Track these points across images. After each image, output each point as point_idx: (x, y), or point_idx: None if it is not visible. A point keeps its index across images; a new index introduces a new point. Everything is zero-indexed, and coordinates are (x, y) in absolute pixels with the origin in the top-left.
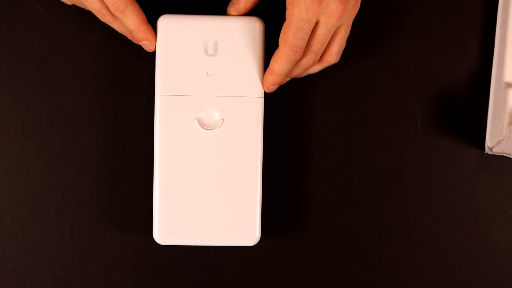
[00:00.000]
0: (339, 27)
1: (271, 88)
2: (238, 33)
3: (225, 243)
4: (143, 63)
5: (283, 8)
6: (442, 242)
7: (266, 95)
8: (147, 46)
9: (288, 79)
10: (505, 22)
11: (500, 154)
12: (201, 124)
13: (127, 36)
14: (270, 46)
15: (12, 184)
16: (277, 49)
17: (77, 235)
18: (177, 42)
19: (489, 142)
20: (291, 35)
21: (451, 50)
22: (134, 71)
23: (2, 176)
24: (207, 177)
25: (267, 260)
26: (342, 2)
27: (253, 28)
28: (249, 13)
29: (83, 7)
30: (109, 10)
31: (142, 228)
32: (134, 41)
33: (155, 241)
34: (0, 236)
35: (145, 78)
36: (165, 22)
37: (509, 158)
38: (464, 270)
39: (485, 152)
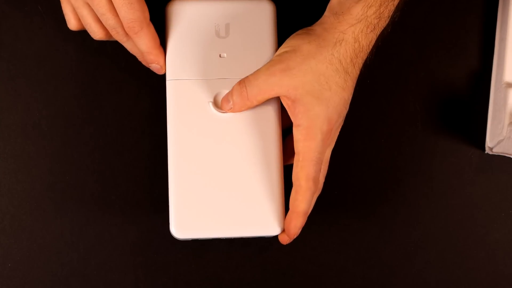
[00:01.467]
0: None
1: (298, 232)
2: (249, 15)
3: (247, 234)
4: None
5: None
6: (442, 242)
7: None
8: (156, 69)
9: None
10: (505, 22)
11: (500, 154)
12: (216, 107)
13: (137, 57)
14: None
15: (12, 184)
16: (298, 187)
17: (77, 235)
18: (187, 26)
19: (489, 142)
20: (312, 169)
21: (451, 50)
22: (134, 71)
23: (2, 176)
24: (225, 163)
25: (267, 260)
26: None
27: (264, 9)
28: None
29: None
30: (123, 29)
31: (142, 228)
32: (143, 63)
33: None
34: (0, 236)
35: (145, 78)
36: (175, 7)
37: (509, 158)
38: (464, 270)
39: (485, 152)
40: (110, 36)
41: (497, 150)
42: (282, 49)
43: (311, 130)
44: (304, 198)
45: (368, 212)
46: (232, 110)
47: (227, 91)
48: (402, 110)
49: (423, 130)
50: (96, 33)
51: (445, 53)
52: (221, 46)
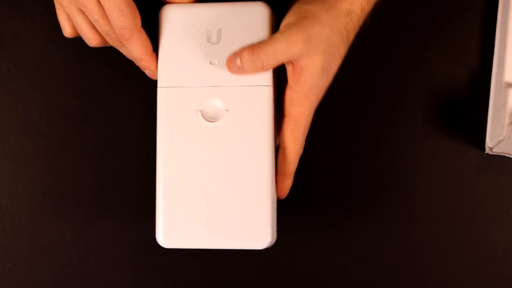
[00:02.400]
0: None
1: (288, 191)
2: (243, 19)
3: (235, 246)
4: None
5: None
6: (442, 242)
7: None
8: (150, 75)
9: None
10: (505, 22)
11: (500, 154)
12: (205, 116)
13: (134, 61)
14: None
15: (12, 184)
16: (287, 150)
17: (77, 235)
18: (179, 31)
19: (489, 142)
20: (302, 133)
21: (451, 50)
22: (134, 71)
23: (2, 176)
24: (213, 173)
25: (267, 260)
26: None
27: (258, 13)
28: None
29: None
30: None
31: (142, 228)
32: (140, 67)
33: (156, 242)
34: (0, 236)
35: (145, 78)
36: (168, 12)
37: (509, 158)
38: (464, 270)
39: (485, 152)
40: (105, 42)
41: (497, 150)
42: (298, 14)
43: (308, 98)
44: (293, 160)
45: (368, 212)
46: (240, 73)
47: (216, 100)
48: (402, 110)
49: (423, 130)
50: (91, 40)
51: (445, 53)
52: (212, 52)
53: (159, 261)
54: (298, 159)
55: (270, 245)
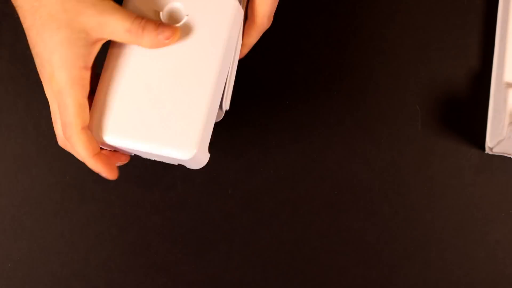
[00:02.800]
0: None
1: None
2: None
3: (160, 152)
4: None
5: None
6: (442, 242)
7: (268, 95)
8: (104, 176)
9: None
10: (505, 22)
11: (500, 154)
12: (163, 18)
13: None
14: None
15: (12, 184)
16: (252, 23)
17: (77, 235)
18: None
19: (489, 142)
20: (269, 7)
21: (451, 50)
22: None
23: (2, 176)
24: (159, 78)
25: (267, 260)
26: None
27: None
28: None
29: None
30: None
31: (141, 228)
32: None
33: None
34: (0, 236)
35: None
36: None
37: (509, 158)
38: (464, 270)
39: (485, 152)
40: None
41: (497, 150)
42: None
43: None
44: (256, 33)
45: (368, 212)
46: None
47: (176, 3)
48: (402, 110)
49: (423, 130)
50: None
51: (445, 53)
52: None
53: (159, 261)
54: (261, 33)
55: (199, 161)
